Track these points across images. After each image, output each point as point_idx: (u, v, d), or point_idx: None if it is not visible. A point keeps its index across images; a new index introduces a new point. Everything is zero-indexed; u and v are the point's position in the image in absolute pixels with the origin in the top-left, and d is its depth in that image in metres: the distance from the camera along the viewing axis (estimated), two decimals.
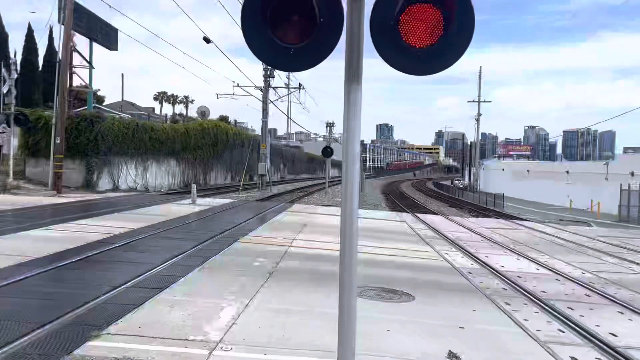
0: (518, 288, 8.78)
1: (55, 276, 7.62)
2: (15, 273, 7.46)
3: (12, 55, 39.70)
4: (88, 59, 27.16)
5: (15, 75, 24.06)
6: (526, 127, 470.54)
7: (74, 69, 26.06)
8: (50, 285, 7.07)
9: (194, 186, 22.74)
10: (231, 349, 5.02)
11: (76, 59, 26.30)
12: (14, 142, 25.40)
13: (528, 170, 59.05)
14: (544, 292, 8.57)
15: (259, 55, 3.09)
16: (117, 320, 5.64)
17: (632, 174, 36.41)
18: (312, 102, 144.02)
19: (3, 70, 24.75)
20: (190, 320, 5.79)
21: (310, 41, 2.95)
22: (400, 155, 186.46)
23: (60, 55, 24.15)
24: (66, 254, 9.12)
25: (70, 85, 25.87)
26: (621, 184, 32.89)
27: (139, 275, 7.78)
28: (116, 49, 30.32)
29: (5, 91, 24.12)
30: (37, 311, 5.83)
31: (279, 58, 3.07)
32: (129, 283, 7.32)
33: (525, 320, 6.78)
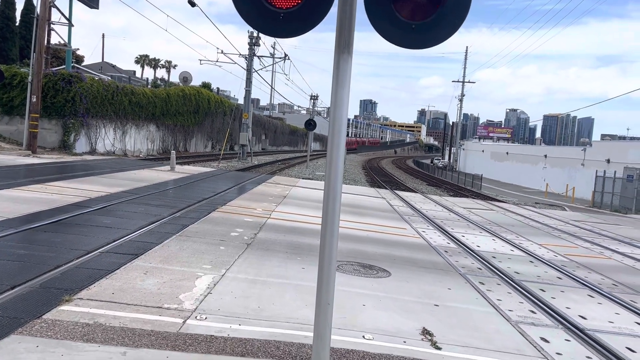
0: (492, 268, 8.90)
1: (27, 238, 7.44)
2: None
3: None
4: (67, 16, 26.24)
5: None
6: (507, 110, 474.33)
7: (52, 25, 25.18)
8: (22, 247, 6.90)
9: (173, 153, 22.41)
10: (206, 318, 4.97)
11: (55, 16, 25.43)
12: None
13: (507, 153, 59.73)
14: (518, 273, 8.71)
15: (247, 19, 2.96)
16: (90, 285, 5.54)
17: (608, 161, 37.08)
18: (296, 73, 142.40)
19: None
20: (165, 288, 5.72)
21: (301, 6, 2.83)
22: (382, 132, 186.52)
23: (38, 10, 23.26)
24: (39, 215, 8.92)
25: (48, 42, 25.04)
26: (597, 170, 33.47)
27: (114, 241, 7.65)
28: (97, 7, 29.34)
29: None
30: (6, 273, 5.69)
31: (268, 22, 2.94)
32: (104, 248, 7.19)
33: (498, 300, 6.88)
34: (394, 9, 2.77)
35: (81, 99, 24.82)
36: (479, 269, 8.81)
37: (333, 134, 3.08)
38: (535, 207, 24.95)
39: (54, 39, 26.76)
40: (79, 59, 62.88)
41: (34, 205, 9.66)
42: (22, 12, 61.72)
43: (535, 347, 5.29)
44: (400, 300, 6.34)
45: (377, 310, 5.85)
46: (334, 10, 3.03)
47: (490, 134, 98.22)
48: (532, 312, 6.57)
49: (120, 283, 5.73)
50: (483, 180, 40.52)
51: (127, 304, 5.11)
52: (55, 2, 24.62)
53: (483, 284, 7.70)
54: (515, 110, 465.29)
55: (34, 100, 21.98)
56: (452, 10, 2.70)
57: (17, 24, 61.87)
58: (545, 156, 49.13)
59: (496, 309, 6.47)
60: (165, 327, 4.66)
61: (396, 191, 24.97)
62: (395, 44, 2.84)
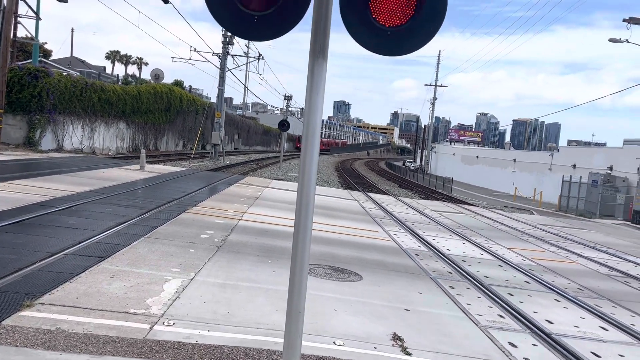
0: (462, 272, 8.98)
1: None
2: None
3: None
4: (35, 9, 25.54)
5: None
6: (478, 114, 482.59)
7: (19, 18, 24.47)
8: None
9: (143, 151, 22.00)
10: (173, 324, 4.86)
11: (22, 8, 24.74)
12: None
13: (477, 156, 60.70)
14: (487, 277, 8.81)
15: (220, 21, 2.89)
16: (53, 289, 5.36)
17: (574, 166, 38.02)
18: (271, 73, 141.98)
19: None
20: (132, 292, 5.57)
21: (276, 10, 2.77)
22: (355, 133, 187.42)
23: (4, 2, 22.55)
24: (1, 215, 8.60)
25: (15, 35, 24.31)
26: (563, 175, 34.29)
27: (80, 243, 7.43)
28: (66, 1, 28.61)
29: None
30: None
31: (242, 25, 2.87)
32: (68, 250, 6.98)
33: (468, 304, 6.94)
34: (369, 13, 2.73)
35: (48, 94, 24.16)
36: (449, 272, 8.89)
37: (307, 139, 3.03)
38: (504, 210, 25.39)
39: (21, 32, 26.06)
40: (47, 54, 61.32)
41: None
42: None
43: (503, 352, 5.35)
44: (372, 305, 6.33)
45: (348, 315, 5.82)
46: (309, 13, 2.99)
47: (462, 137, 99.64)
48: (501, 316, 6.65)
49: (85, 287, 5.56)
50: (454, 183, 41.06)
51: (91, 309, 4.96)
52: None
53: (453, 288, 7.76)
54: (485, 114, 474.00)
55: None
56: (428, 17, 2.69)
57: None
58: (514, 160, 50.10)
59: (466, 314, 6.52)
60: (131, 333, 4.53)
61: (369, 193, 25.07)
62: (371, 51, 2.81)
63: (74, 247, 7.16)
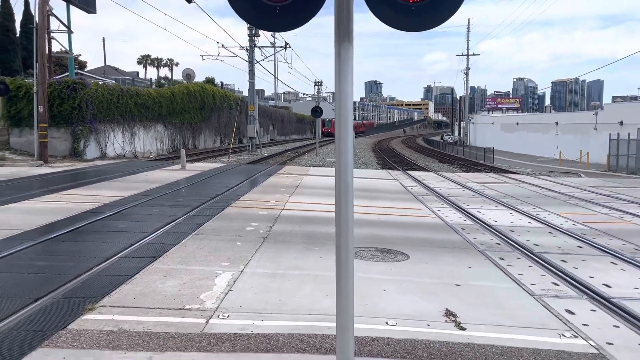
0: (511, 242, 8.82)
1: (46, 249, 7.52)
2: (6, 247, 7.35)
3: None
4: (66, 23, 26.28)
5: None
6: (515, 79, 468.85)
7: (52, 34, 25.23)
8: (41, 258, 6.97)
9: (182, 151, 22.47)
10: (228, 316, 4.99)
11: (54, 24, 25.48)
12: None
13: (517, 123, 59.09)
14: (537, 245, 8.62)
15: (242, 15, 2.90)
16: (111, 292, 5.58)
17: (621, 123, 36.52)
18: (299, 61, 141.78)
19: None
20: (185, 289, 5.74)
21: None
22: (389, 112, 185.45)
23: (36, 19, 23.30)
24: (56, 225, 9.00)
25: (50, 51, 25.11)
26: (610, 134, 32.99)
27: (131, 245, 7.70)
28: (94, 12, 29.32)
29: None
30: (28, 286, 5.75)
31: (264, 18, 2.88)
32: (122, 253, 7.24)
33: (519, 274, 6.82)
34: None
35: (87, 105, 24.94)
36: (498, 244, 8.75)
37: (340, 124, 3.03)
38: (549, 176, 24.70)
39: (55, 47, 26.85)
40: (82, 65, 63.08)
41: (49, 216, 9.75)
42: (21, 23, 61.92)
43: (560, 319, 5.24)
44: (421, 283, 6.31)
45: (398, 294, 5.83)
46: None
47: (499, 105, 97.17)
48: (555, 284, 6.51)
49: (141, 287, 5.77)
50: (495, 153, 40.15)
51: (149, 308, 5.14)
52: (53, 11, 24.62)
53: (503, 259, 7.64)
54: (522, 79, 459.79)
55: (41, 110, 22.12)
56: None
57: (17, 35, 62.09)
58: (557, 123, 48.52)
59: (518, 284, 6.41)
60: (188, 328, 4.68)
61: (408, 171, 24.84)
62: (395, 27, 2.76)
63: (127, 250, 7.42)
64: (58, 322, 4.73)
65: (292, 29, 3.00)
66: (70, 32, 26.61)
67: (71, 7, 26.87)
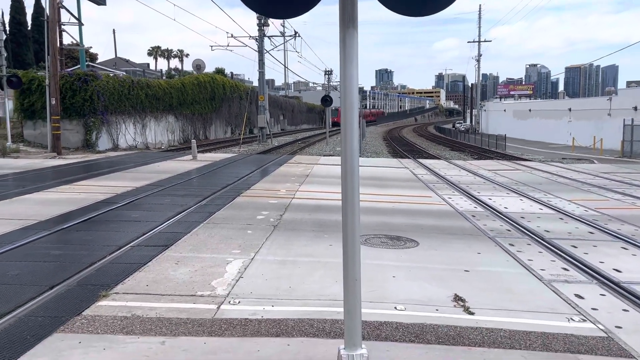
0: (522, 229, 8.81)
1: (60, 238, 7.66)
2: (21, 237, 7.50)
3: None
4: (76, 16, 26.41)
5: (4, 37, 23.50)
6: (527, 66, 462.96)
7: (62, 26, 25.39)
8: (56, 247, 7.10)
9: (193, 142, 22.61)
10: (239, 302, 5.07)
11: (64, 16, 25.61)
12: (9, 105, 25.10)
13: (530, 110, 58.49)
14: (548, 231, 8.60)
15: (249, 4, 2.93)
16: (125, 279, 5.69)
17: (636, 108, 36.01)
18: (308, 50, 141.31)
19: None
20: (197, 276, 5.83)
21: None
22: (400, 100, 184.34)
23: (47, 12, 23.46)
24: (70, 215, 9.14)
25: (61, 43, 25.27)
26: (624, 119, 32.56)
27: (144, 234, 7.81)
28: (104, 4, 29.42)
29: None
30: (44, 274, 5.88)
31: (270, 5, 2.90)
32: (134, 242, 7.35)
33: (529, 260, 6.82)
34: None
35: (99, 96, 25.13)
36: (508, 230, 8.74)
37: (345, 110, 3.06)
38: (562, 162, 24.50)
39: (66, 40, 27.01)
40: (93, 57, 63.41)
41: (64, 206, 9.90)
42: (32, 16, 62.31)
43: (569, 304, 5.25)
44: (430, 269, 6.34)
45: (407, 280, 5.87)
46: None
47: (511, 92, 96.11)
48: (565, 269, 6.50)
49: (154, 275, 5.87)
50: (507, 140, 39.83)
51: (161, 295, 5.23)
52: (63, 3, 24.77)
53: (513, 245, 7.64)
54: (535, 65, 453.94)
55: (54, 102, 22.34)
56: None
57: (29, 28, 62.50)
58: (570, 109, 47.94)
59: (528, 270, 6.42)
60: (200, 314, 4.76)
61: (419, 159, 24.78)
62: (398, 12, 2.77)
63: (139, 239, 7.53)
64: (73, 309, 4.84)
65: (300, 15, 3.02)
66: (80, 24, 26.75)
67: None
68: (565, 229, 8.91)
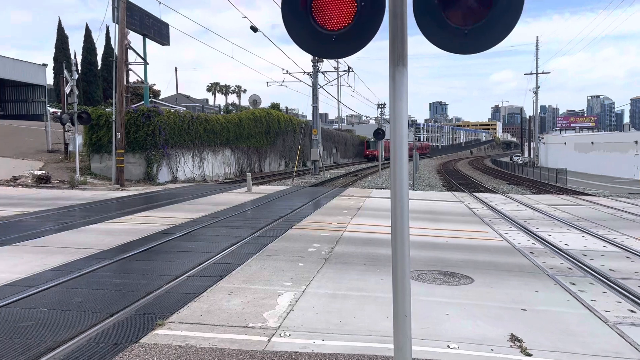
0: (584, 267, 8.41)
1: (121, 267, 7.98)
2: (86, 265, 7.88)
3: (72, 57, 41.52)
4: (142, 56, 27.99)
5: (76, 76, 25.14)
6: (589, 97, 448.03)
7: (129, 65, 26.94)
8: (117, 276, 7.41)
9: (249, 174, 23.14)
10: (289, 335, 5.09)
11: (131, 56, 27.18)
12: (79, 139, 26.65)
13: (592, 142, 56.28)
14: (613, 270, 8.17)
15: (300, 44, 3.06)
16: (180, 309, 5.85)
17: None
18: (361, 84, 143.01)
19: (65, 71, 25.97)
20: (249, 308, 5.91)
21: (352, 26, 2.89)
22: (455, 133, 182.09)
23: (115, 53, 25.01)
24: (131, 245, 9.53)
25: (127, 81, 26.79)
26: None
27: (199, 264, 8.02)
28: (168, 44, 31.07)
29: (68, 91, 25.32)
30: (105, 301, 6.13)
31: (322, 46, 3.02)
32: (190, 272, 7.56)
33: (592, 300, 6.50)
34: (444, 16, 2.76)
35: (160, 131, 26.28)
36: (569, 268, 8.37)
37: (395, 146, 3.10)
38: (628, 197, 23.31)
39: (132, 78, 28.68)
40: (156, 94, 66.65)
41: (125, 236, 10.33)
42: (102, 56, 66.49)
43: (637, 349, 4.95)
44: (485, 307, 6.15)
45: (461, 318, 5.72)
46: (385, 23, 3.07)
47: (572, 125, 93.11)
48: (632, 311, 6.15)
49: (208, 305, 6.00)
50: (568, 174, 38.37)
51: (215, 325, 5.34)
52: (131, 44, 26.35)
53: (574, 284, 7.30)
54: (597, 96, 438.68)
55: (119, 137, 23.55)
56: (504, 11, 2.66)
57: (99, 67, 66.63)
58: (637, 142, 45.78)
59: (590, 311, 6.11)
60: (251, 345, 4.81)
61: (475, 193, 24.25)
62: (447, 51, 2.82)
63: (195, 269, 7.74)
64: (131, 336, 5.01)
65: (349, 55, 3.12)
66: (145, 63, 28.30)
67: (147, 40, 28.64)
68: (633, 268, 8.44)
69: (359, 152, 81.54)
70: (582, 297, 6.67)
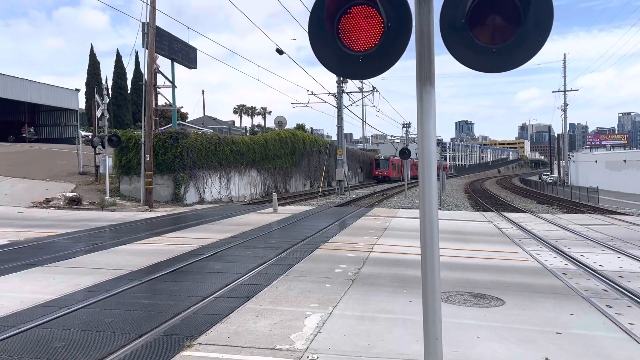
0: (620, 289, 8.13)
1: (149, 288, 8.05)
2: (115, 286, 7.97)
3: (103, 81, 42.71)
4: (170, 79, 28.63)
5: (107, 100, 25.83)
6: (620, 114, 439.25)
7: (158, 89, 27.54)
8: (145, 297, 7.47)
9: (274, 195, 23.26)
10: (317, 358, 5.03)
11: (160, 80, 27.81)
12: (109, 161, 27.25)
13: (625, 160, 54.93)
14: None
15: (327, 66, 3.08)
16: (207, 330, 5.85)
17: None
18: (386, 104, 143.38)
19: (96, 96, 26.71)
20: (276, 329, 5.88)
21: (379, 47, 2.90)
22: (482, 152, 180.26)
23: (145, 77, 25.65)
24: (159, 266, 9.62)
25: (156, 105, 27.35)
26: None
27: (226, 285, 8.03)
28: (195, 67, 31.75)
29: (99, 115, 26.00)
30: (134, 322, 6.18)
31: (349, 67, 3.04)
32: (217, 293, 7.57)
33: (630, 324, 6.26)
34: (472, 35, 2.75)
35: (188, 153, 26.70)
36: (605, 290, 8.10)
37: (423, 166, 3.07)
38: None
39: (161, 101, 29.18)
40: (184, 116, 67.98)
41: (153, 257, 10.44)
42: (132, 80, 68.34)
43: None
44: (517, 330, 5.99)
45: (492, 341, 5.57)
46: (412, 43, 3.07)
47: (603, 142, 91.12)
48: None
49: (235, 326, 5.99)
50: (600, 193, 37.48)
51: (242, 347, 5.31)
52: (159, 68, 26.99)
53: (611, 307, 7.06)
54: (629, 113, 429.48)
55: (147, 159, 24.01)
56: (533, 29, 2.63)
57: (128, 91, 68.42)
58: None
59: (629, 334, 5.88)
60: None
61: (503, 213, 23.83)
62: (475, 69, 2.80)
63: (222, 290, 7.75)
64: (159, 357, 5.03)
65: (376, 75, 3.13)
66: (174, 87, 28.93)
67: (175, 64, 29.32)
68: None
69: None
70: (619, 320, 6.44)
